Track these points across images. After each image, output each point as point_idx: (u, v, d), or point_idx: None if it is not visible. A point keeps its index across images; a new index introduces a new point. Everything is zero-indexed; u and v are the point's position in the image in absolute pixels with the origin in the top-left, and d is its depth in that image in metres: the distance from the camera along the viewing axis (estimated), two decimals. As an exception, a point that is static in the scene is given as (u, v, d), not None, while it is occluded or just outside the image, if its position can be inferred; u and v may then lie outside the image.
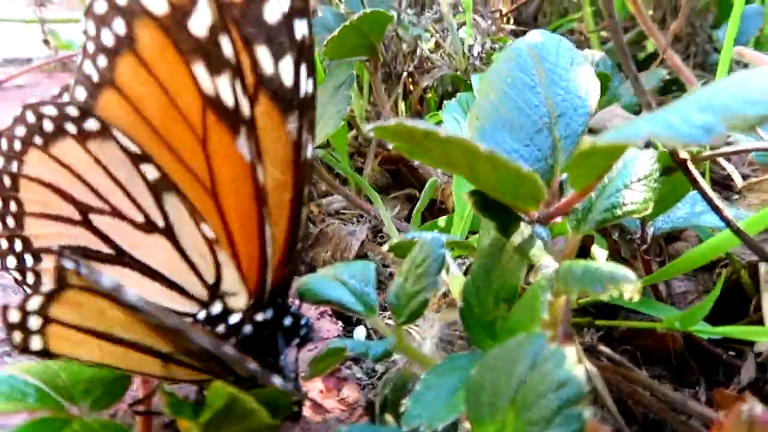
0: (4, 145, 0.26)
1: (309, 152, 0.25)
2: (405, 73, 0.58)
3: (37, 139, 0.25)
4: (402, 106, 0.62)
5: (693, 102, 0.17)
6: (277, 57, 0.24)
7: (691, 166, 0.23)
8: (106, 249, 0.26)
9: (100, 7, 0.24)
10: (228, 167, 0.25)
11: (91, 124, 0.25)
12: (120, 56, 0.24)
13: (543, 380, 0.18)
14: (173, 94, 0.24)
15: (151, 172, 0.25)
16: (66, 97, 0.26)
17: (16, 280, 0.27)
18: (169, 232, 0.26)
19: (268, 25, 0.23)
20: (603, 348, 0.27)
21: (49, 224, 0.26)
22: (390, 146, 0.62)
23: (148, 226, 0.26)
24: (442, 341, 0.32)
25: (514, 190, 0.22)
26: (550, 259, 0.24)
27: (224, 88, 0.24)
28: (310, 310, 0.37)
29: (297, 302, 0.27)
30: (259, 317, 0.26)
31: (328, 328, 0.36)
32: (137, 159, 0.25)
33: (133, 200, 0.26)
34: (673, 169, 0.27)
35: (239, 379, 0.23)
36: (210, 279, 0.26)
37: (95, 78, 0.25)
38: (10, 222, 0.26)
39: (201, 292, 0.26)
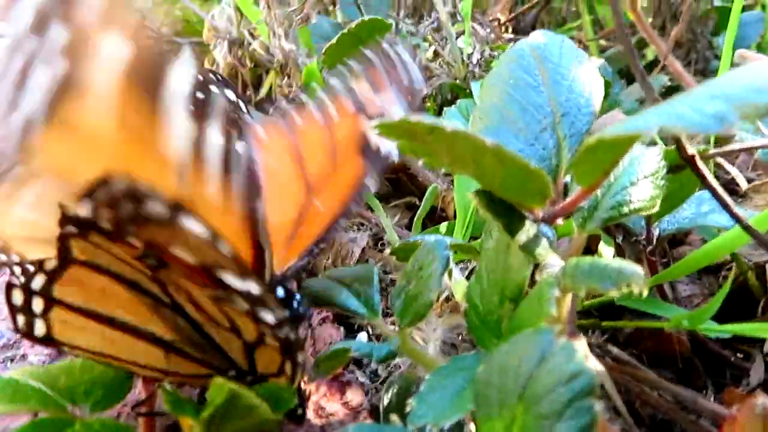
0: None
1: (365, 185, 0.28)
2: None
3: None
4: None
5: (703, 92, 0.17)
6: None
7: (699, 163, 0.23)
8: None
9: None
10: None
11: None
12: None
13: (552, 374, 0.18)
14: None
15: None
16: None
17: None
18: None
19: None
20: (610, 347, 0.27)
21: None
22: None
23: None
24: (445, 344, 0.32)
25: (521, 186, 0.22)
26: (556, 258, 0.24)
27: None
28: (312, 317, 0.37)
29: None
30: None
31: (330, 333, 0.35)
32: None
33: None
34: (680, 168, 0.26)
35: (240, 374, 0.23)
36: None
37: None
38: None
39: None
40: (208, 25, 0.63)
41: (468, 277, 0.37)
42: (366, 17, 0.47)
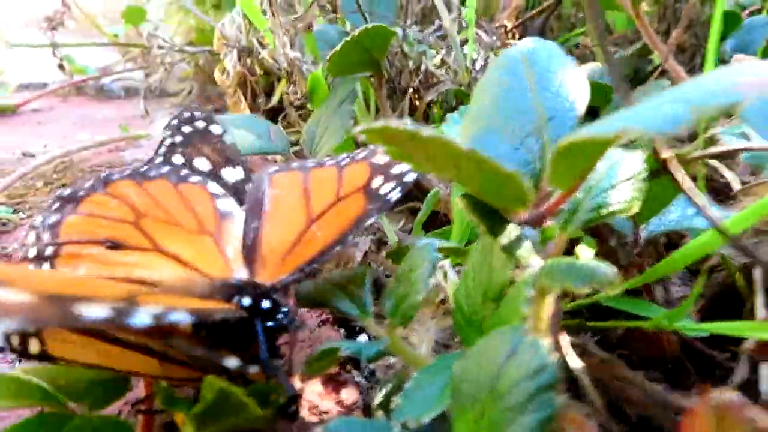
0: None
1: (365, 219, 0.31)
2: (410, 89, 0.59)
3: None
4: (408, 120, 0.63)
5: (666, 95, 0.18)
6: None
7: (675, 167, 0.24)
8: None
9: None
10: None
11: None
12: None
13: (519, 369, 0.18)
14: None
15: None
16: None
17: None
18: None
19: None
20: (592, 347, 0.27)
21: None
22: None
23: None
24: (438, 345, 0.33)
25: (500, 190, 0.23)
26: (538, 259, 0.25)
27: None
28: (311, 319, 0.38)
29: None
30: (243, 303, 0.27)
31: (329, 335, 0.36)
32: None
33: None
34: (667, 171, 0.27)
35: (232, 376, 0.24)
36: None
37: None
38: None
39: None
40: (218, 34, 0.64)
41: (464, 280, 0.37)
42: (370, 25, 0.48)
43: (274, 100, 0.71)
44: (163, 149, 0.37)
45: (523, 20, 0.71)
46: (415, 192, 0.59)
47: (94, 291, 0.23)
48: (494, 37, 0.61)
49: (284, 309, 0.27)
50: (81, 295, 0.20)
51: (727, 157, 0.32)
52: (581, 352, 0.27)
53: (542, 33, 0.84)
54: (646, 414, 0.26)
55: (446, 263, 0.37)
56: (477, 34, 0.59)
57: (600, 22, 0.24)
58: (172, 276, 0.28)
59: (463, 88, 0.58)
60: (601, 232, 0.33)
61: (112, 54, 1.23)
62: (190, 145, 0.36)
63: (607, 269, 0.21)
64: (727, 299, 0.34)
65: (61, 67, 1.03)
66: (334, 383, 0.31)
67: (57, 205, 0.31)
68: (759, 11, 0.66)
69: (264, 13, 0.59)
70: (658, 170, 0.27)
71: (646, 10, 0.62)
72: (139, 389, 0.29)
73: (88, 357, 0.24)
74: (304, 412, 0.29)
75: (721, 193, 0.47)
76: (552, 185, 0.24)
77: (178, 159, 0.36)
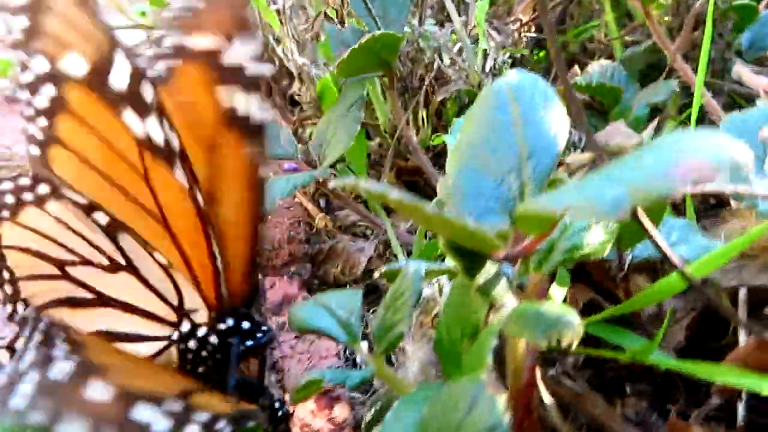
0: None
1: (262, 173, 0.28)
2: (422, 88, 0.60)
3: (5, 213, 0.29)
4: (423, 113, 0.64)
5: (610, 174, 0.19)
6: (233, 92, 0.27)
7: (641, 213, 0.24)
8: (87, 295, 0.30)
9: (27, 78, 0.27)
10: (171, 196, 0.28)
11: (43, 189, 0.28)
12: (57, 116, 0.27)
13: (476, 422, 0.20)
14: (110, 141, 0.27)
15: (101, 218, 0.28)
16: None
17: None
18: (131, 268, 0.29)
19: (227, 68, 0.27)
20: (568, 382, 0.29)
21: (37, 283, 0.29)
22: (408, 158, 0.63)
23: (113, 266, 0.29)
24: (430, 363, 0.34)
25: (470, 241, 0.24)
26: (512, 299, 0.26)
27: (153, 128, 0.26)
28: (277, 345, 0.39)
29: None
30: (222, 326, 0.29)
31: (328, 346, 0.38)
32: (88, 209, 0.28)
33: (95, 246, 0.29)
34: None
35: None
36: (174, 301, 0.29)
37: (40, 136, 0.28)
38: (8, 289, 0.30)
39: (171, 315, 0.30)
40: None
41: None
42: (378, 32, 0.49)
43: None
44: None
45: (539, 14, 0.70)
46: (427, 191, 0.60)
47: (154, 383, 0.24)
48: (505, 35, 0.61)
49: (264, 328, 0.29)
50: (143, 392, 0.21)
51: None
52: (557, 383, 0.28)
53: (562, 21, 0.83)
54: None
55: (443, 277, 0.38)
56: (489, 32, 0.59)
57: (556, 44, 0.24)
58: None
59: (474, 88, 0.58)
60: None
61: (136, 34, 1.24)
62: None
63: (571, 318, 0.22)
64: (714, 317, 0.35)
65: None
66: (327, 399, 0.33)
67: None
68: None
69: (278, 13, 0.60)
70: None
71: (660, 3, 0.61)
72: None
73: None
74: (296, 430, 0.31)
75: (720, 206, 0.47)
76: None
77: None
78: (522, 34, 0.71)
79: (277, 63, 0.58)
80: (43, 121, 0.27)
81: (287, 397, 0.31)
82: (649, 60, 0.63)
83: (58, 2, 0.26)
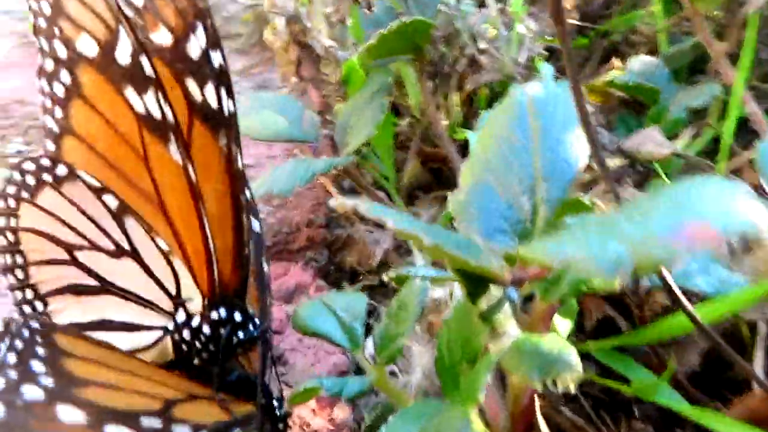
0: (2, 204, 0.30)
1: (239, 164, 0.28)
2: (454, 74, 0.59)
3: (24, 194, 0.29)
4: (456, 98, 0.62)
5: (616, 225, 0.18)
6: (201, 84, 0.27)
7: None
8: (92, 282, 0.30)
9: (49, 66, 0.27)
10: (166, 174, 0.28)
11: (62, 170, 0.29)
12: (71, 103, 0.28)
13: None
14: (114, 122, 0.28)
15: (111, 201, 0.29)
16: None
17: None
18: (134, 253, 0.30)
19: (192, 60, 0.27)
20: (568, 413, 0.28)
21: (47, 269, 0.30)
22: (436, 143, 0.62)
23: (118, 252, 0.30)
24: (434, 372, 0.34)
25: (471, 269, 0.23)
26: (514, 327, 0.25)
27: (151, 102, 0.27)
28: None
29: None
30: (214, 315, 0.29)
31: (334, 341, 0.38)
32: (99, 191, 0.29)
33: (103, 230, 0.30)
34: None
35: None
36: (172, 290, 0.30)
37: (56, 129, 0.28)
38: (20, 273, 0.30)
39: (168, 305, 0.30)
40: (269, -3, 0.64)
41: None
42: (407, 18, 0.48)
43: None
44: None
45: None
46: (454, 180, 0.59)
47: (135, 395, 0.24)
48: (542, 24, 0.59)
49: (255, 319, 0.29)
50: (119, 410, 0.22)
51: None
52: (557, 411, 0.27)
53: (608, 6, 0.80)
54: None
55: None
56: (526, 20, 0.57)
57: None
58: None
59: (506, 79, 0.56)
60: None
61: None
62: None
63: (570, 358, 0.22)
64: (732, 344, 0.34)
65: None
66: (328, 399, 0.33)
67: None
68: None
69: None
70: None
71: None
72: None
73: None
74: (295, 429, 0.31)
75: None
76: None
77: None
78: (557, 29, 0.69)
79: (304, 43, 0.58)
80: (59, 112, 0.28)
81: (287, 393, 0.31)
82: (696, 58, 0.60)
83: None
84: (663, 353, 0.33)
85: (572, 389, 0.21)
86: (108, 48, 0.26)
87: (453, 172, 0.59)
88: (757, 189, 0.34)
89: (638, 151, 0.45)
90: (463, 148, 0.59)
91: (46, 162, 0.29)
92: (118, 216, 0.29)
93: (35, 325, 0.25)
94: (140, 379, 0.26)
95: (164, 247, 0.29)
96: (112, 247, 0.30)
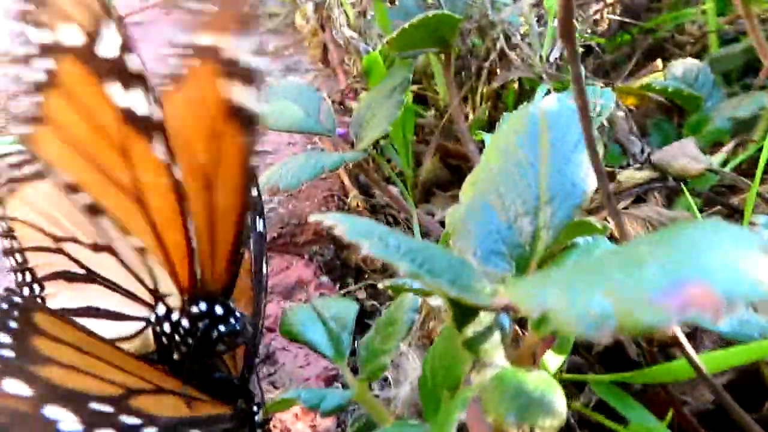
0: None
1: (253, 162, 0.28)
2: (482, 69, 0.56)
3: (13, 186, 0.29)
4: (481, 95, 0.60)
5: (605, 273, 0.16)
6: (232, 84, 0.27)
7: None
8: (79, 270, 0.30)
9: (24, 50, 0.26)
10: (148, 172, 0.27)
11: (38, 165, 0.29)
12: (47, 92, 0.26)
13: None
14: (94, 116, 0.27)
15: (84, 198, 0.28)
16: None
17: None
18: (110, 249, 0.30)
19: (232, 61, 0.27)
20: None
21: (39, 255, 0.30)
22: (459, 138, 0.60)
23: (95, 246, 0.30)
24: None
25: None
26: (502, 358, 0.24)
27: (138, 100, 0.26)
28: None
29: None
30: (194, 310, 0.28)
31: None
32: (71, 188, 0.28)
33: (80, 224, 0.29)
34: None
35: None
36: (150, 284, 0.29)
37: (29, 113, 0.27)
38: (18, 257, 0.31)
39: (149, 298, 0.30)
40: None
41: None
42: (432, 12, 0.46)
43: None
44: None
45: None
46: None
47: (96, 381, 0.24)
48: (581, 20, 0.56)
49: (237, 314, 0.28)
50: (69, 390, 0.22)
51: None
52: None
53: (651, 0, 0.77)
54: None
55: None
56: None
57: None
58: None
59: (535, 78, 0.54)
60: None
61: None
62: None
63: (554, 402, 0.20)
64: (753, 383, 0.32)
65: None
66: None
67: None
68: None
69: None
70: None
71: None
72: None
73: None
74: (275, 433, 0.31)
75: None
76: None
77: None
78: (604, 16, 0.66)
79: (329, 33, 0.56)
80: (34, 97, 0.27)
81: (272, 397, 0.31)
82: (747, 62, 0.57)
83: None
84: (673, 390, 0.32)
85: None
86: (92, 40, 0.25)
87: (471, 169, 0.57)
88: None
89: (670, 164, 0.42)
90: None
91: (26, 155, 0.29)
92: (91, 213, 0.29)
93: (17, 300, 0.26)
94: (108, 366, 0.26)
95: (138, 244, 0.28)
96: (89, 241, 0.30)
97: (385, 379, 0.36)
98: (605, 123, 0.48)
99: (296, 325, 0.30)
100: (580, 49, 0.58)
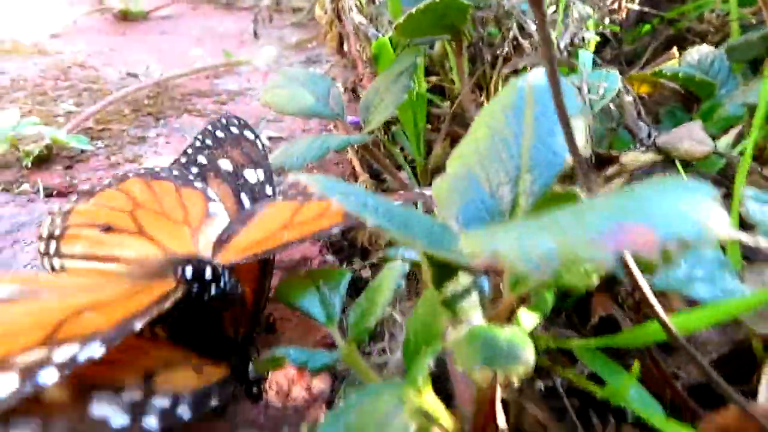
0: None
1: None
2: (493, 56, 0.57)
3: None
4: (494, 82, 0.61)
5: (555, 221, 0.17)
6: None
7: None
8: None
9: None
10: None
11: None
12: None
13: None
14: None
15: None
16: None
17: None
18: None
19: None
20: (533, 408, 0.27)
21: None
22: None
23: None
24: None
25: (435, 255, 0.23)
26: (479, 316, 0.25)
27: None
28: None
29: None
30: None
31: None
32: None
33: None
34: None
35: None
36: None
37: None
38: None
39: None
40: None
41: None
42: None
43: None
44: (191, 150, 0.41)
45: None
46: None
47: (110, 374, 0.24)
48: (596, 7, 0.56)
49: (226, 278, 0.30)
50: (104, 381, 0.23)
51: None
52: (520, 408, 0.27)
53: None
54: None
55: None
56: (573, 4, 0.55)
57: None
58: (139, 253, 0.32)
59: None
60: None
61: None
62: (220, 147, 0.40)
63: (520, 351, 0.21)
64: (743, 356, 0.32)
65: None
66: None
67: (75, 197, 0.36)
68: None
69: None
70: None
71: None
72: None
73: None
74: (272, 395, 0.32)
75: None
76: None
77: (202, 159, 0.40)
78: (623, 5, 0.66)
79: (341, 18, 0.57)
80: None
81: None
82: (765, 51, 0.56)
83: None
84: (666, 366, 0.32)
85: (515, 382, 0.20)
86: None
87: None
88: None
89: (675, 147, 0.43)
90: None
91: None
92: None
93: None
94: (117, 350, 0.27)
95: None
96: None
97: (383, 350, 0.37)
98: (612, 108, 0.48)
99: (291, 292, 0.31)
100: (596, 38, 0.58)
